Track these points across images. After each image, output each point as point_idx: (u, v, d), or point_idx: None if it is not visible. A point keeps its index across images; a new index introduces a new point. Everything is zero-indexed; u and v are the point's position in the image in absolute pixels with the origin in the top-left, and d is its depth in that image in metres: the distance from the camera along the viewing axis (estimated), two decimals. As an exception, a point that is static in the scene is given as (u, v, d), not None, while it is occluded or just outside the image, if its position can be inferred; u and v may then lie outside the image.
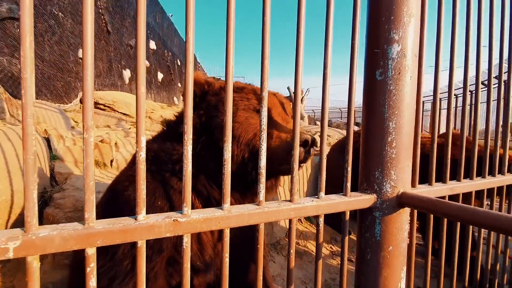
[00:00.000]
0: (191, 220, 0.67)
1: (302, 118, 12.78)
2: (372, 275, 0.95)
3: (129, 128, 5.40)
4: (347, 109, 0.94)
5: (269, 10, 0.76)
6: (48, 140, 2.64)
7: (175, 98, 14.61)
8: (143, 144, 0.63)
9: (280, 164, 1.03)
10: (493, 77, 1.36)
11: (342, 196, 0.93)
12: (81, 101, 7.15)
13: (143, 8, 0.63)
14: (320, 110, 0.92)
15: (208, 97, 1.12)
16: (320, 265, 0.91)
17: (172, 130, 1.17)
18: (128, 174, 1.11)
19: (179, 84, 15.51)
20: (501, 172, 1.47)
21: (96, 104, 6.58)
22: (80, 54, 7.38)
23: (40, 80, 6.03)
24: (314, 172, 3.75)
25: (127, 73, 9.84)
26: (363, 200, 0.92)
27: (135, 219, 0.64)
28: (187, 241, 0.69)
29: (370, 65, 0.94)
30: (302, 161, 1.02)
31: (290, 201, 0.83)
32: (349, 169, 0.93)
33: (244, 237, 1.31)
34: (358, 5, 0.89)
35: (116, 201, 1.07)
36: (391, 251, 0.93)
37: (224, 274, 0.76)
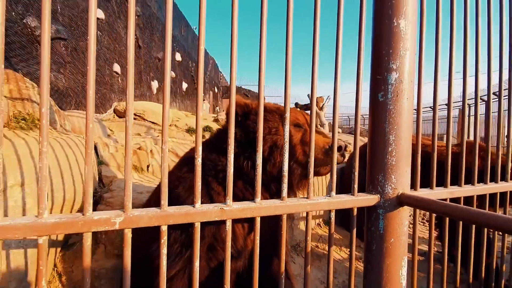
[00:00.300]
0: (232, 209, 0.92)
1: (322, 125, 12.85)
2: (377, 263, 1.14)
3: (157, 136, 5.82)
4: (353, 126, 1.15)
5: (290, 49, 1.01)
6: (95, 148, 3.03)
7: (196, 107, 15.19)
8: (200, 152, 0.89)
9: (319, 166, 1.28)
10: (492, 93, 1.51)
11: (350, 195, 1.13)
12: (115, 111, 7.77)
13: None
14: (332, 118, 1.13)
15: (251, 117, 1.38)
16: (332, 251, 1.12)
17: (216, 143, 1.44)
18: (177, 175, 1.37)
19: (203, 94, 16.11)
20: (504, 179, 1.59)
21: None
22: (115, 68, 8.06)
23: (81, 92, 6.67)
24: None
25: (155, 84, 10.50)
26: (368, 199, 1.12)
27: (193, 207, 0.89)
28: (229, 225, 0.93)
29: (374, 88, 1.15)
30: (340, 162, 1.27)
31: (307, 198, 1.05)
32: (356, 174, 1.14)
33: (268, 235, 1.53)
34: (362, 43, 1.11)
35: (169, 196, 1.33)
36: (392, 243, 1.12)
37: (255, 253, 0.99)
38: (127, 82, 0.83)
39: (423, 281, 1.49)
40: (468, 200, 1.47)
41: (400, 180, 1.12)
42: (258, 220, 0.98)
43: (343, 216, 3.57)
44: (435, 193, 1.30)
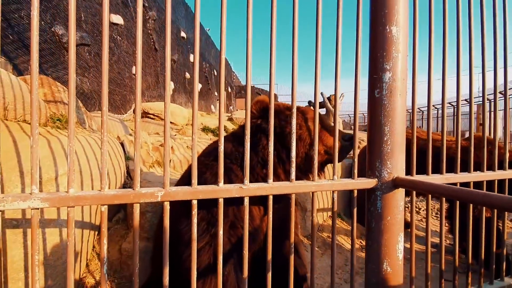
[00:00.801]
0: (249, 187, 1.12)
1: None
2: (376, 239, 1.31)
3: (175, 135, 6.12)
4: (353, 120, 1.32)
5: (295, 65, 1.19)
6: (122, 145, 3.32)
7: (212, 107, 15.58)
8: (222, 141, 1.10)
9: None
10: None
11: (351, 179, 1.31)
12: (134, 111, 8.15)
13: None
14: (334, 115, 1.31)
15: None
16: (335, 228, 1.30)
17: (237, 136, 1.65)
18: (205, 163, 1.59)
19: (216, 93, 16.50)
20: (502, 167, 1.71)
21: (147, 114, 7.49)
22: (133, 71, 8.46)
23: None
24: (345, 172, 4.03)
25: (171, 85, 10.90)
26: (367, 182, 1.29)
27: (218, 186, 1.10)
28: (247, 201, 1.13)
29: (371, 86, 1.32)
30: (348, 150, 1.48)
31: (312, 180, 1.24)
32: (356, 160, 1.31)
33: (281, 222, 1.72)
34: (359, 47, 1.28)
35: (198, 180, 1.56)
36: (389, 220, 1.28)
37: (269, 227, 1.18)
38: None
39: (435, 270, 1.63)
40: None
41: (395, 165, 1.28)
42: (270, 198, 1.17)
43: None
44: (430, 179, 1.45)
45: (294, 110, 1.20)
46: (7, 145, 1.66)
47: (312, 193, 1.25)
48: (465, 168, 1.61)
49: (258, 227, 1.64)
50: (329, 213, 3.73)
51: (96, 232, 2.28)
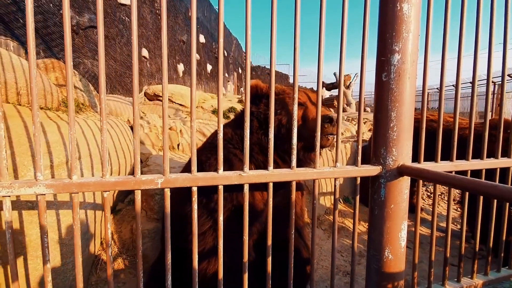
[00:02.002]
0: (249, 175, 1.11)
1: (349, 104, 12.50)
2: (379, 226, 1.30)
3: (185, 118, 6.15)
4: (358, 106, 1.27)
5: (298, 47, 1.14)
6: (131, 128, 3.38)
7: (223, 88, 15.47)
8: (222, 128, 1.08)
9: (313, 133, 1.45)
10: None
11: (354, 166, 1.28)
12: (145, 94, 8.22)
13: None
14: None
15: (263, 100, 1.58)
16: (336, 214, 1.29)
17: (238, 120, 1.64)
18: (210, 149, 1.62)
19: (226, 75, 16.32)
20: (517, 154, 1.62)
21: (157, 97, 7.53)
22: (143, 53, 8.43)
23: (114, 77, 7.15)
24: (353, 157, 3.98)
25: (181, 67, 10.82)
26: (370, 169, 1.26)
27: (217, 173, 1.10)
28: (246, 188, 1.14)
29: (379, 69, 1.25)
30: (331, 133, 1.41)
31: (314, 167, 1.22)
32: (360, 147, 1.27)
33: (286, 208, 1.73)
34: (366, 30, 1.20)
35: (203, 165, 1.58)
36: (392, 208, 1.26)
37: (269, 213, 1.19)
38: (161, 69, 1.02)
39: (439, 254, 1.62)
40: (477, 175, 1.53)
41: (401, 152, 1.24)
42: (270, 185, 1.17)
43: (362, 193, 3.68)
44: (439, 166, 1.40)
45: (296, 95, 1.16)
46: (19, 130, 1.71)
47: (314, 180, 1.24)
48: (478, 154, 1.55)
49: (261, 210, 1.66)
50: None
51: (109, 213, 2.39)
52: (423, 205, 4.13)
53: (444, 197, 4.46)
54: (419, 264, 1.47)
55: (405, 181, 1.26)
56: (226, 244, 1.56)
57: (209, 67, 13.40)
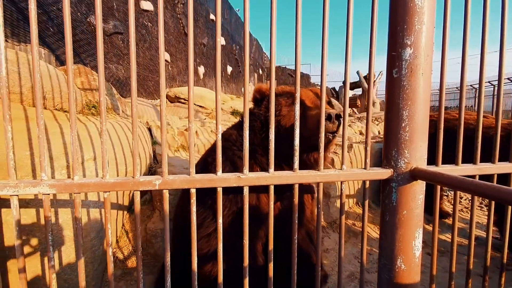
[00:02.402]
0: (248, 177, 1.08)
1: (373, 104, 12.04)
2: (390, 233, 1.21)
3: (205, 119, 6.25)
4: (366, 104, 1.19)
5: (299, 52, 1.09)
6: (150, 130, 3.48)
7: (242, 89, 15.59)
8: (220, 130, 1.06)
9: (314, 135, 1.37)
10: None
11: (363, 169, 1.20)
12: (166, 97, 8.45)
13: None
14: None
15: (264, 102, 1.57)
16: (343, 220, 1.22)
17: (243, 122, 1.64)
18: (215, 150, 1.63)
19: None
20: (556, 156, 1.45)
21: (178, 99, 7.72)
22: (165, 57, 8.69)
23: (137, 81, 7.43)
24: (374, 159, 3.80)
25: (201, 70, 11.03)
26: (380, 173, 1.18)
27: (216, 174, 1.08)
28: (246, 191, 1.10)
29: (389, 65, 1.17)
30: (334, 132, 1.34)
31: (318, 170, 1.16)
32: (368, 148, 1.20)
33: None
34: (374, 24, 1.13)
35: (209, 166, 1.58)
36: (405, 215, 1.17)
37: (270, 216, 1.15)
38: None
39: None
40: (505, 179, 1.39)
41: (414, 154, 1.15)
42: (271, 188, 1.13)
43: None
44: (460, 169, 1.28)
45: (298, 94, 1.11)
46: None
47: (318, 184, 1.18)
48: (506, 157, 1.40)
49: (267, 213, 1.62)
50: (355, 200, 3.58)
51: (125, 212, 2.46)
52: (451, 212, 3.85)
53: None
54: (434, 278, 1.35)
55: (419, 185, 1.16)
56: (232, 248, 1.55)
57: (229, 69, 13.54)
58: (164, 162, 1.05)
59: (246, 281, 1.16)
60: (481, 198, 4.29)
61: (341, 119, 1.26)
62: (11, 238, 1.57)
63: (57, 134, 1.88)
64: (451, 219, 3.67)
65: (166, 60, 8.80)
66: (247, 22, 1.07)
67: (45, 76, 2.33)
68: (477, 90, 1.24)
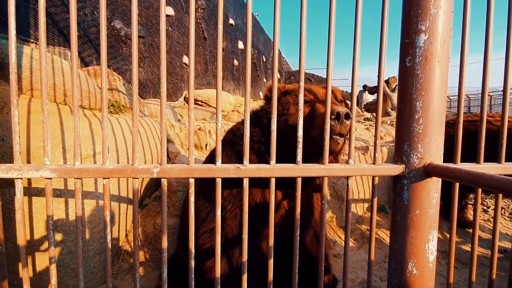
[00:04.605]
0: (248, 168, 1.04)
1: (393, 108, 11.62)
2: (401, 234, 1.12)
3: (220, 120, 6.28)
4: (377, 99, 1.12)
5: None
6: (163, 128, 3.54)
7: (260, 93, 15.60)
8: (220, 123, 1.03)
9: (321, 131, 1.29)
10: None
11: (371, 164, 1.13)
12: (185, 99, 8.63)
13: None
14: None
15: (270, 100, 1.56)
16: (349, 217, 1.14)
17: (255, 117, 1.60)
18: (222, 145, 1.62)
19: (264, 80, 16.44)
20: None
21: (195, 101, 7.85)
22: (184, 60, 8.90)
23: (156, 83, 7.64)
24: (390, 160, 3.63)
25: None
26: (390, 168, 1.10)
27: (215, 165, 1.05)
28: (246, 183, 1.06)
29: (402, 54, 1.09)
30: (340, 133, 1.23)
31: (322, 163, 1.10)
32: (378, 142, 1.12)
33: (301, 209, 1.61)
34: (386, 12, 1.06)
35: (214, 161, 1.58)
36: (417, 214, 1.08)
37: (271, 209, 1.10)
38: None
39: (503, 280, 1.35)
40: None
41: (428, 149, 1.06)
42: (272, 181, 1.08)
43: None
44: (482, 168, 1.17)
45: (302, 83, 1.07)
46: (54, 125, 1.87)
47: (323, 178, 1.11)
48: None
49: (277, 213, 1.57)
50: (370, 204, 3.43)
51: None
52: (476, 221, 3.59)
53: (505, 213, 3.83)
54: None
55: (434, 183, 1.07)
56: (236, 245, 1.51)
57: (247, 73, 13.62)
58: (163, 150, 1.04)
59: (245, 277, 1.11)
60: (506, 205, 3.98)
61: (351, 120, 1.17)
62: (38, 228, 1.62)
63: (71, 127, 1.94)
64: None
65: (185, 64, 9.00)
66: (277, 28, 1.04)
67: (67, 75, 2.43)
68: (503, 88, 1.14)
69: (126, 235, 2.35)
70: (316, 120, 1.30)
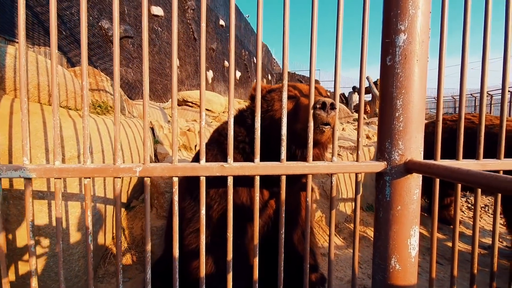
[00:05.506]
0: (232, 166, 1.04)
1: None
2: (384, 230, 1.14)
3: (211, 122, 6.26)
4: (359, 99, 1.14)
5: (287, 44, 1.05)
6: (152, 129, 3.49)
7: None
8: (204, 117, 1.03)
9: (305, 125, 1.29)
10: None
11: (354, 162, 1.14)
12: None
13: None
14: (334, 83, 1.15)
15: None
16: (333, 215, 1.16)
17: (239, 119, 1.61)
18: (208, 148, 1.63)
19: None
20: None
21: (185, 102, 7.80)
22: (174, 61, 8.84)
23: (146, 84, 7.56)
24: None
25: (210, 74, 11.14)
26: (373, 165, 1.12)
27: (199, 163, 1.05)
28: (230, 181, 1.06)
29: (383, 53, 1.12)
30: (326, 123, 1.23)
31: (306, 161, 1.11)
32: (360, 139, 1.14)
33: (290, 212, 1.62)
34: (366, 12, 1.08)
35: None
36: (399, 210, 1.10)
37: (255, 208, 1.10)
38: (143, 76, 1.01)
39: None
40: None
41: (408, 146, 1.08)
42: (257, 179, 1.08)
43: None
44: (461, 164, 1.20)
45: (285, 81, 1.08)
46: (37, 125, 1.83)
47: (307, 176, 1.13)
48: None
49: (265, 212, 1.57)
50: (360, 204, 3.47)
51: (123, 209, 2.45)
52: (462, 218, 3.68)
53: (488, 210, 3.94)
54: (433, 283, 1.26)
55: (414, 179, 1.10)
56: (224, 244, 1.50)
57: (238, 74, 13.63)
58: (146, 149, 1.03)
59: (230, 276, 1.11)
60: (490, 203, 4.10)
61: (336, 111, 1.19)
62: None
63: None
64: (460, 226, 3.51)
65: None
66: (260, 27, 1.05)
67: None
68: (479, 95, 1.17)
69: (113, 238, 2.31)
70: (301, 113, 1.32)
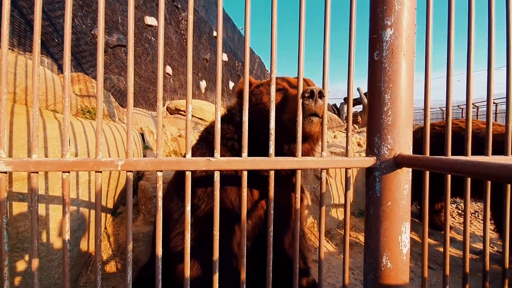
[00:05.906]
0: (218, 161, 1.01)
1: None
2: (374, 227, 1.11)
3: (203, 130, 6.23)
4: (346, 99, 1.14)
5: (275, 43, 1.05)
6: (142, 135, 3.44)
7: (244, 105, 15.74)
8: (190, 118, 1.01)
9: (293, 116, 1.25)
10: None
11: (344, 157, 1.13)
12: (167, 109, 8.52)
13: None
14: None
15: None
16: (323, 211, 1.13)
17: (227, 117, 1.60)
18: (197, 146, 1.63)
19: (248, 91, 16.62)
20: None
21: (178, 111, 7.77)
22: (167, 70, 8.85)
23: (138, 92, 7.52)
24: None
25: (203, 84, 11.19)
26: (362, 160, 1.10)
27: (185, 157, 1.01)
28: (217, 176, 1.03)
29: (371, 49, 1.12)
30: (314, 113, 1.21)
31: (295, 156, 1.09)
32: (349, 134, 1.13)
33: (281, 214, 1.58)
34: (353, 9, 1.10)
35: (192, 154, 1.55)
36: (390, 206, 1.08)
37: (243, 208, 1.07)
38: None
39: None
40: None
41: (397, 140, 1.07)
42: (244, 173, 1.05)
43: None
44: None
45: (274, 75, 1.07)
46: (21, 126, 1.77)
47: (296, 172, 1.10)
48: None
49: (255, 211, 1.53)
50: (352, 210, 3.44)
51: (108, 215, 2.37)
52: (453, 223, 3.68)
53: (478, 216, 3.96)
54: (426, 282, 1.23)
55: (404, 173, 1.08)
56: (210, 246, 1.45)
57: (231, 84, 13.74)
58: (129, 142, 0.99)
59: (216, 277, 1.06)
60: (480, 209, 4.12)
61: (325, 99, 1.18)
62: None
63: (39, 129, 1.85)
64: (451, 232, 3.51)
65: (168, 74, 8.95)
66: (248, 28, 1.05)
67: (41, 80, 2.36)
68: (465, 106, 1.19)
69: (98, 245, 2.21)
70: (289, 104, 1.30)
